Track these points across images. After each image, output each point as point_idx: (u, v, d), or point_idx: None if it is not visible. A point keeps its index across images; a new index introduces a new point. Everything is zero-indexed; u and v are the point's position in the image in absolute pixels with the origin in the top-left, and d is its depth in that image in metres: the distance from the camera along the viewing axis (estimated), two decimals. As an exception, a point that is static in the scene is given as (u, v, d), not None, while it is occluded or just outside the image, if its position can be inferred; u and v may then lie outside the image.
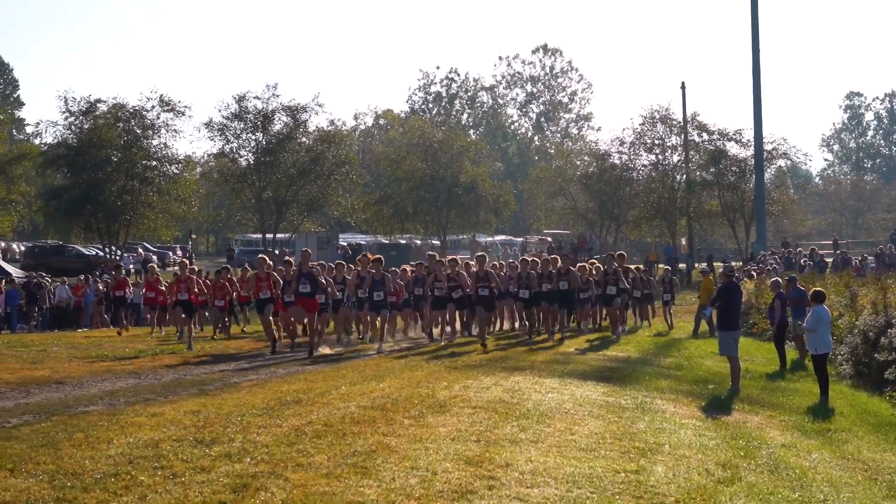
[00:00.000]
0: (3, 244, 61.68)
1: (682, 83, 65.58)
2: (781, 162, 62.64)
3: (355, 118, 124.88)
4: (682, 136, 62.02)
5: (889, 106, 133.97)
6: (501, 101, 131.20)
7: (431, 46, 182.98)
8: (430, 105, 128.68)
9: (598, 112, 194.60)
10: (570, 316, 26.07)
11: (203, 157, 68.43)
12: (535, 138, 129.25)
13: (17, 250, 61.59)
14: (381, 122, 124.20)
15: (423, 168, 66.50)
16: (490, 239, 74.19)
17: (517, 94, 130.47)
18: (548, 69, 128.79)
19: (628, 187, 63.90)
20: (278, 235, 63.11)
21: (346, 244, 68.43)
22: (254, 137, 62.46)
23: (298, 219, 64.25)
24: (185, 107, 57.50)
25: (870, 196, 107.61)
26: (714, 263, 45.83)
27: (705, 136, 61.17)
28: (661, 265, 50.25)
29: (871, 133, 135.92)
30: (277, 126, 62.58)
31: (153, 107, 56.43)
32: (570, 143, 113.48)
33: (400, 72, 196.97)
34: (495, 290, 22.95)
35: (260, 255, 24.12)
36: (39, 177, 61.30)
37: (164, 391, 14.00)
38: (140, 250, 63.78)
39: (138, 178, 55.75)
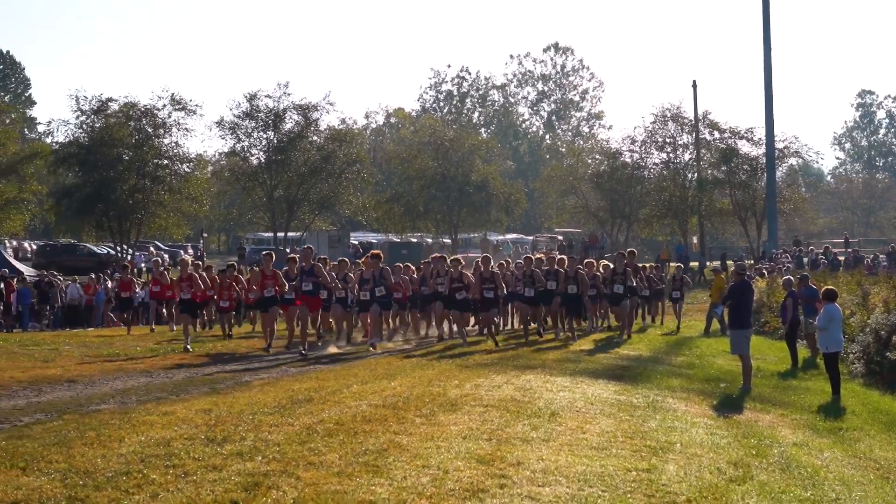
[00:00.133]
0: (14, 243, 61.97)
1: (694, 81, 65.59)
2: (793, 160, 62.72)
3: (366, 117, 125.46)
4: (694, 135, 61.99)
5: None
6: (512, 100, 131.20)
7: (443, 45, 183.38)
8: (442, 103, 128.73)
9: (610, 110, 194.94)
10: (577, 319, 25.59)
11: (214, 155, 68.69)
12: (547, 137, 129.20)
13: (29, 249, 61.87)
14: (393, 120, 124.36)
15: (435, 166, 66.52)
16: (501, 237, 74.24)
17: (528, 93, 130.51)
18: (559, 68, 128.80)
19: (639, 186, 63.94)
20: (290, 234, 63.19)
21: (357, 242, 68.51)
22: (265, 136, 62.62)
23: (310, 217, 64.33)
24: (197, 105, 57.85)
25: (882, 194, 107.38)
26: (728, 262, 45.77)
27: (717, 135, 61.18)
28: (672, 263, 50.19)
29: (882, 131, 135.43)
30: (289, 125, 62.76)
31: (164, 105, 56.67)
32: (582, 142, 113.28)
33: (411, 70, 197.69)
34: (500, 293, 22.71)
35: (265, 252, 23.43)
36: (51, 175, 61.52)
37: (175, 390, 14.03)
38: (151, 249, 63.93)
39: (150, 177, 55.90)
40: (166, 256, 57.90)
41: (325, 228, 68.26)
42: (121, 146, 55.80)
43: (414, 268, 25.57)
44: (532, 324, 25.06)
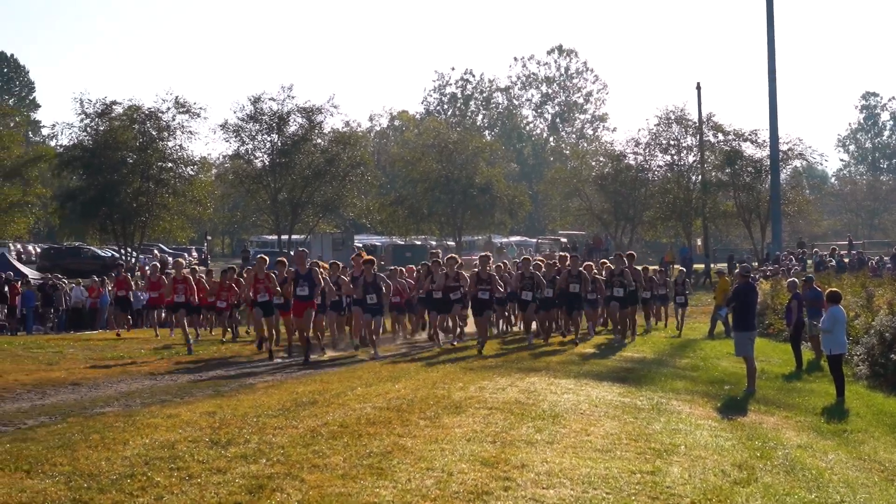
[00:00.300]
0: (19, 246, 61.99)
1: (698, 84, 65.26)
2: (797, 162, 62.65)
3: (370, 119, 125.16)
4: (698, 137, 61.87)
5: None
6: (516, 102, 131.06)
7: (446, 47, 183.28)
8: (446, 106, 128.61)
9: (614, 113, 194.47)
10: (578, 315, 25.20)
11: (218, 158, 68.54)
12: (551, 139, 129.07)
13: (33, 252, 61.91)
14: (397, 123, 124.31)
15: (439, 169, 66.46)
16: (505, 240, 74.12)
17: (532, 95, 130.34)
18: (563, 70, 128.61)
19: (644, 188, 63.88)
20: (294, 237, 63.18)
21: (361, 245, 68.49)
22: (269, 139, 62.53)
23: (314, 220, 64.27)
24: (201, 108, 57.66)
25: (886, 196, 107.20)
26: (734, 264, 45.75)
27: (721, 137, 61.06)
28: (676, 266, 50.16)
29: (887, 133, 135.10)
30: (293, 127, 62.67)
31: (168, 108, 56.54)
32: (586, 144, 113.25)
33: (415, 73, 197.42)
34: (495, 295, 22.18)
35: (259, 256, 23.29)
36: (55, 178, 61.48)
37: (179, 392, 14.04)
38: (155, 251, 63.94)
39: (154, 180, 55.85)
40: (169, 259, 57.89)
41: (329, 231, 68.14)
42: (125, 149, 55.72)
43: (414, 268, 25.60)
44: (553, 333, 24.54)
